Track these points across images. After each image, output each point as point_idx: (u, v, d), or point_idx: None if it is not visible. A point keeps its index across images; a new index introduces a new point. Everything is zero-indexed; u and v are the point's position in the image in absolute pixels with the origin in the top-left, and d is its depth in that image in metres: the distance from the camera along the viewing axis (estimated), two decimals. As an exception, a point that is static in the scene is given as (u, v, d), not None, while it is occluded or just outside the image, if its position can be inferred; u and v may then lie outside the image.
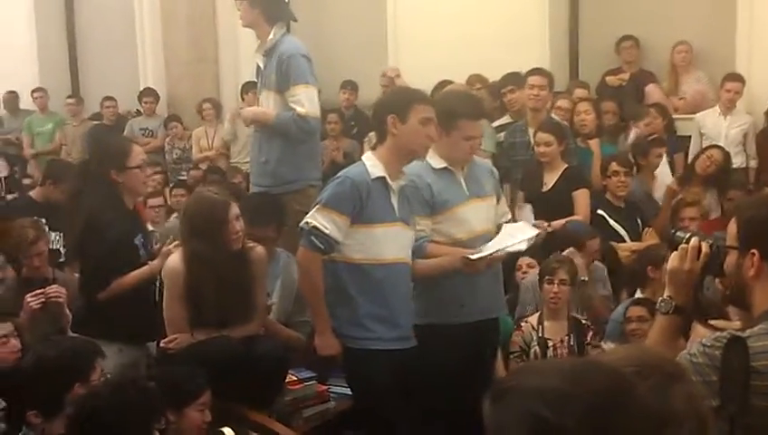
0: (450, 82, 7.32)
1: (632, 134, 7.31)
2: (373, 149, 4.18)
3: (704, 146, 7.19)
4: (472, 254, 4.10)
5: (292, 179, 5.14)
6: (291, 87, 5.02)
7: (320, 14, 8.74)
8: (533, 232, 4.42)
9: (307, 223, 3.98)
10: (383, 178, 4.01)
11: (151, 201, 7.26)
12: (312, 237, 3.95)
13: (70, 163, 7.31)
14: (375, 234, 4.00)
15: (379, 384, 4.00)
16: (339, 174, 4.09)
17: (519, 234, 4.30)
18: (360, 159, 4.17)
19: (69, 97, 10.92)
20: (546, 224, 5.73)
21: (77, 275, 4.78)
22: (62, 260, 5.56)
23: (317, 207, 3.99)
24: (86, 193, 4.42)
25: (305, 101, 5.01)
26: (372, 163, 4.03)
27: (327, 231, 3.93)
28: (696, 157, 6.99)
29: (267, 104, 5.20)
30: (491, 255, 4.13)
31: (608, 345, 4.98)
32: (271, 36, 5.10)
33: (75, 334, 4.29)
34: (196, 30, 10.13)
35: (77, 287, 4.63)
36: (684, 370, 1.68)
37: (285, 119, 5.04)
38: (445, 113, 4.28)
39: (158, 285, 4.43)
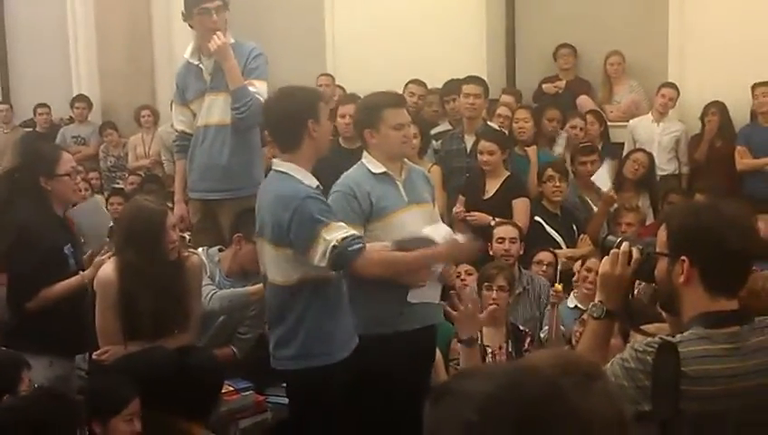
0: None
1: (562, 139, 7.39)
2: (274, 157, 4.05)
3: (635, 152, 7.31)
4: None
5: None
6: (254, 80, 5.01)
7: (256, 21, 8.68)
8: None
9: (333, 241, 3.68)
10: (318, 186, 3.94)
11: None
12: (349, 248, 3.70)
13: None
14: None
15: (337, 395, 3.92)
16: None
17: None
18: (288, 174, 3.88)
19: (0, 103, 10.68)
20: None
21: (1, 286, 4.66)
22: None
23: (328, 225, 3.71)
24: (14, 201, 4.32)
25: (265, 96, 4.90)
26: (304, 175, 3.87)
27: (356, 232, 3.83)
28: (623, 162, 7.11)
29: (210, 110, 5.12)
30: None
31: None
32: (232, 41, 5.09)
33: (3, 347, 4.18)
34: (132, 40, 10.01)
35: (4, 298, 4.52)
36: (601, 369, 1.70)
37: (249, 91, 4.97)
38: (367, 110, 4.27)
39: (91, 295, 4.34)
